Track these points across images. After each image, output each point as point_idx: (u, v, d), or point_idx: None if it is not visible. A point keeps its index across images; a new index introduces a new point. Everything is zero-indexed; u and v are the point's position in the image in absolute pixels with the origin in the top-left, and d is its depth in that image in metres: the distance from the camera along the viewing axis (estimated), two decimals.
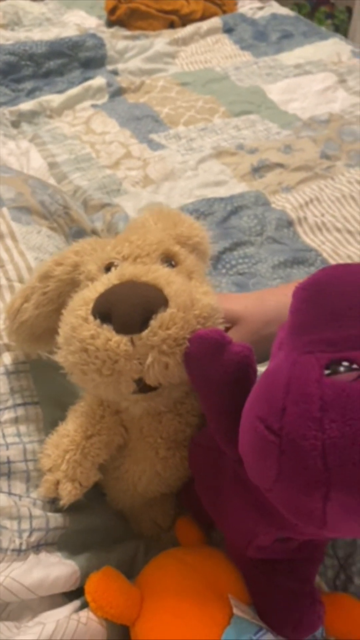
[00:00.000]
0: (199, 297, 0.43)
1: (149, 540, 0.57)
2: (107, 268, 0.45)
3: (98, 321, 0.40)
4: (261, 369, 0.39)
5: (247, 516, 0.43)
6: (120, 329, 0.39)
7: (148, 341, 0.39)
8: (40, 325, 0.51)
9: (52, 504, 0.51)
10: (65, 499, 0.47)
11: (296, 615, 0.43)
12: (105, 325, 0.39)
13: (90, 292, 0.42)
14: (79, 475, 0.47)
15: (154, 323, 0.39)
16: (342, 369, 0.31)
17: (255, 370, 0.41)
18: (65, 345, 0.42)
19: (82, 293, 0.43)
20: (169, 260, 0.47)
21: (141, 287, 0.40)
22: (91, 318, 0.40)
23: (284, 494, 0.32)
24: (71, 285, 0.49)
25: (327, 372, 0.31)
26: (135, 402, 0.45)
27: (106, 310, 0.40)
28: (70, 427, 0.48)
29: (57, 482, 0.47)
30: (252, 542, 0.44)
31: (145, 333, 0.39)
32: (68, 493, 0.46)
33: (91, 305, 0.41)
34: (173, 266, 0.47)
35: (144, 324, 0.39)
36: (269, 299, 0.53)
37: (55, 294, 0.49)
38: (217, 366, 0.40)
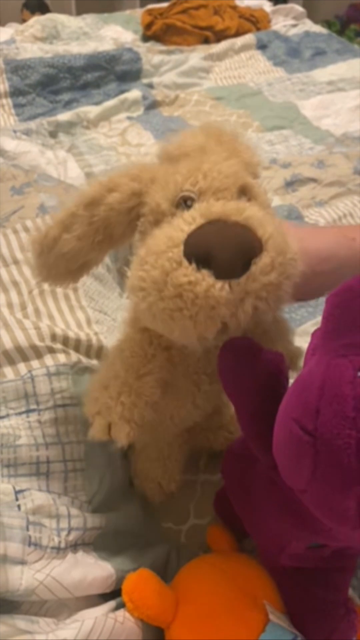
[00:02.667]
0: (288, 239, 0.40)
1: (179, 544, 0.57)
2: (180, 202, 0.42)
3: (194, 265, 0.37)
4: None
5: (280, 522, 0.43)
6: (221, 275, 0.36)
7: (247, 287, 0.37)
8: (79, 258, 0.46)
9: (89, 503, 0.52)
10: (125, 440, 0.43)
11: (330, 625, 0.44)
12: (203, 271, 0.36)
13: (176, 232, 0.38)
14: (135, 416, 0.44)
15: (254, 269, 0.37)
16: None
17: (287, 377, 0.41)
18: (155, 291, 0.37)
19: (166, 232, 0.39)
20: (246, 194, 0.44)
21: (236, 229, 0.37)
22: (186, 262, 0.37)
23: (319, 493, 0.32)
24: (126, 215, 0.45)
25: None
26: (201, 344, 0.41)
27: (203, 254, 0.36)
28: (120, 367, 0.45)
29: (109, 425, 0.44)
30: (285, 549, 0.44)
31: (244, 279, 0.37)
32: (126, 435, 0.43)
33: (181, 247, 0.37)
34: (249, 200, 0.43)
35: (243, 269, 0.37)
36: (324, 235, 0.50)
37: (104, 224, 0.44)
38: (249, 374, 0.40)
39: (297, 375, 0.36)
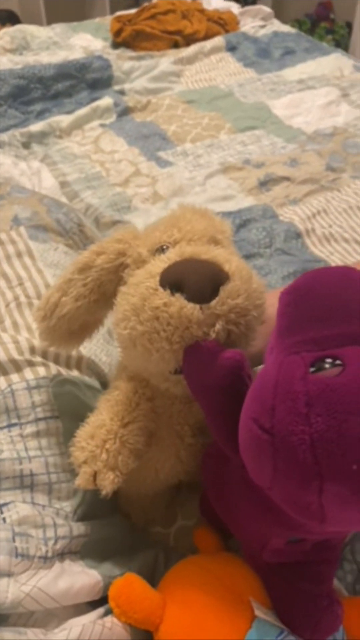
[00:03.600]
0: (252, 272, 0.46)
1: (167, 548, 0.58)
2: (158, 251, 0.48)
3: (169, 291, 0.42)
4: None
5: (258, 520, 0.44)
6: (192, 298, 0.41)
7: (217, 310, 0.41)
8: (78, 319, 0.51)
9: (74, 514, 0.52)
10: (109, 488, 0.45)
11: (314, 616, 0.44)
12: (177, 294, 0.41)
13: (153, 267, 0.44)
14: (119, 464, 0.46)
15: (222, 293, 0.42)
16: (327, 365, 0.33)
17: (249, 375, 0.42)
18: (134, 316, 0.43)
19: (146, 268, 0.45)
20: (215, 244, 0.49)
21: (205, 263, 0.43)
22: (161, 289, 0.42)
23: (283, 490, 0.33)
24: (114, 274, 0.50)
25: (312, 369, 0.33)
26: (178, 382, 0.46)
27: (176, 281, 0.42)
28: (106, 416, 0.48)
29: (95, 473, 0.46)
30: (266, 545, 0.45)
31: (214, 302, 0.41)
32: (111, 482, 0.45)
33: (158, 278, 0.43)
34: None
35: (212, 295, 0.42)
36: None
37: (97, 284, 0.50)
38: (212, 374, 0.41)
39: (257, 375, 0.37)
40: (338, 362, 0.33)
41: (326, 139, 1.34)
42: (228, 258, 0.45)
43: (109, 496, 0.46)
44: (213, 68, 1.73)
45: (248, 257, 0.97)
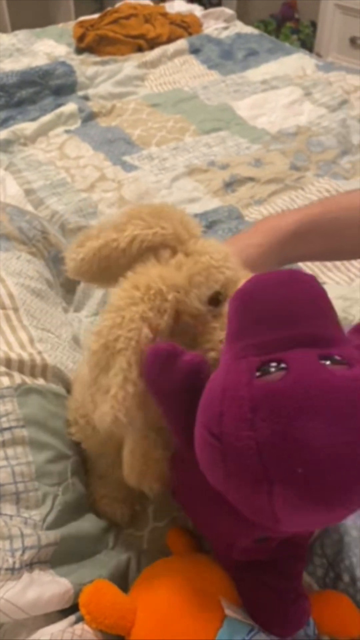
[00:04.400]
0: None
1: (139, 551, 0.58)
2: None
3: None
4: None
5: (223, 520, 0.44)
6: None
7: None
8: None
9: (43, 522, 0.52)
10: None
11: (280, 611, 0.45)
12: None
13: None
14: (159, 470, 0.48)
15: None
16: (272, 369, 0.33)
17: (208, 377, 0.43)
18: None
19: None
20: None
21: None
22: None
23: (236, 494, 0.34)
24: None
25: (258, 374, 0.33)
26: None
27: None
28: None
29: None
30: (234, 545, 0.46)
31: None
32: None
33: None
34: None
35: None
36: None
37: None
38: (170, 377, 0.41)
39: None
40: (282, 365, 0.33)
41: (290, 138, 1.35)
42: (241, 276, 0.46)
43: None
44: (177, 71, 1.74)
45: None
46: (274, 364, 0.33)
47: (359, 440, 0.31)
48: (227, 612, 0.44)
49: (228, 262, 0.46)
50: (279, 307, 0.36)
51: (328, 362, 0.34)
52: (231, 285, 0.45)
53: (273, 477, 0.31)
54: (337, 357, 0.34)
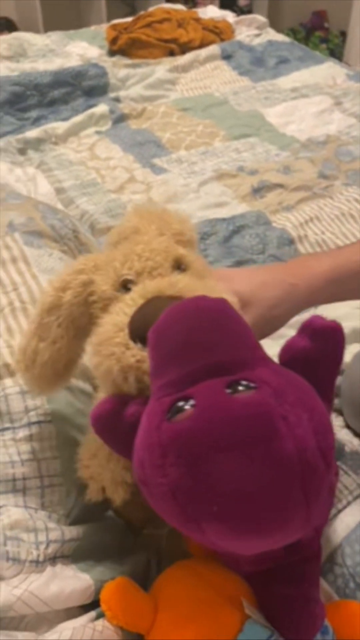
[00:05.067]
0: (220, 296, 0.44)
1: (159, 552, 0.58)
2: (123, 285, 0.46)
3: (139, 345, 0.41)
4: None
5: None
6: None
7: None
8: (61, 359, 0.49)
9: (67, 517, 0.53)
10: (119, 501, 0.47)
11: (290, 618, 0.44)
12: (147, 348, 0.40)
13: (120, 317, 0.43)
14: (127, 478, 0.46)
15: None
16: (187, 407, 0.33)
17: None
18: (120, 376, 0.41)
19: (112, 319, 0.43)
20: (179, 265, 0.48)
21: (171, 302, 0.41)
22: (132, 344, 0.41)
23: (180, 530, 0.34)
24: (85, 305, 0.48)
25: (169, 415, 0.33)
26: None
27: (145, 333, 0.40)
28: None
29: (103, 488, 0.47)
30: (237, 556, 0.45)
31: None
32: (120, 496, 0.47)
33: (126, 330, 0.42)
34: (183, 270, 0.48)
35: None
36: (272, 286, 0.56)
37: (69, 320, 0.48)
38: (115, 432, 0.41)
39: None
40: (191, 402, 0.33)
41: (319, 147, 1.35)
42: (193, 287, 0.43)
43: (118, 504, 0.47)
44: (208, 76, 1.75)
45: (241, 263, 0.98)
46: (181, 403, 0.33)
47: (265, 468, 0.31)
48: (248, 612, 0.44)
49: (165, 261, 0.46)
50: (186, 340, 0.35)
51: (232, 390, 0.33)
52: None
53: (194, 516, 0.31)
54: (244, 382, 0.34)
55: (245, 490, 0.31)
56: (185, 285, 0.43)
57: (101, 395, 0.51)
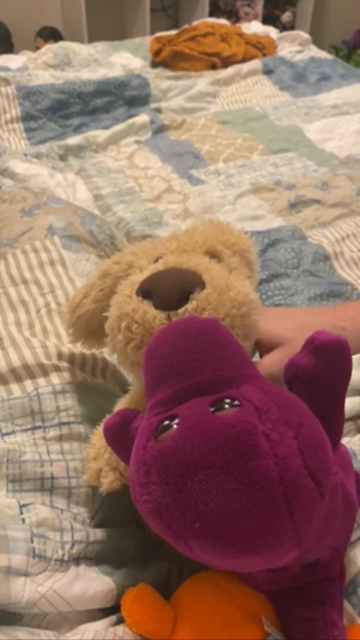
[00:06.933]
0: (235, 284, 0.46)
1: (180, 562, 0.58)
2: (156, 260, 0.50)
3: (140, 297, 0.44)
4: None
5: None
6: (159, 305, 0.43)
7: (183, 317, 0.42)
8: (95, 319, 0.55)
9: (92, 519, 0.53)
10: (106, 486, 0.48)
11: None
12: (145, 301, 0.44)
13: (136, 277, 0.47)
14: (121, 466, 0.48)
15: (190, 302, 0.43)
16: (174, 425, 0.33)
17: None
18: (116, 323, 0.46)
19: (130, 277, 0.48)
20: (213, 256, 0.50)
21: (182, 271, 0.45)
22: (134, 295, 0.45)
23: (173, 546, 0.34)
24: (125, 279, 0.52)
25: (156, 434, 0.34)
26: None
27: (148, 289, 0.44)
28: None
29: (100, 470, 0.48)
30: (254, 574, 0.45)
31: (181, 310, 0.43)
32: (109, 482, 0.48)
33: (136, 286, 0.46)
34: (214, 259, 0.50)
35: (181, 303, 0.43)
36: (317, 326, 0.55)
37: (111, 290, 0.53)
38: (124, 443, 0.41)
39: None
40: (176, 421, 0.33)
41: (358, 165, 1.34)
42: (209, 267, 0.46)
43: (103, 494, 0.48)
44: (249, 90, 1.76)
45: (275, 277, 0.98)
46: (166, 422, 0.34)
47: (244, 487, 0.31)
48: (268, 629, 0.43)
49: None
50: (174, 360, 0.36)
51: (216, 408, 0.34)
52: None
53: (180, 534, 0.31)
54: (228, 401, 0.34)
55: (226, 508, 0.30)
56: (203, 263, 0.46)
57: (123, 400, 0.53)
